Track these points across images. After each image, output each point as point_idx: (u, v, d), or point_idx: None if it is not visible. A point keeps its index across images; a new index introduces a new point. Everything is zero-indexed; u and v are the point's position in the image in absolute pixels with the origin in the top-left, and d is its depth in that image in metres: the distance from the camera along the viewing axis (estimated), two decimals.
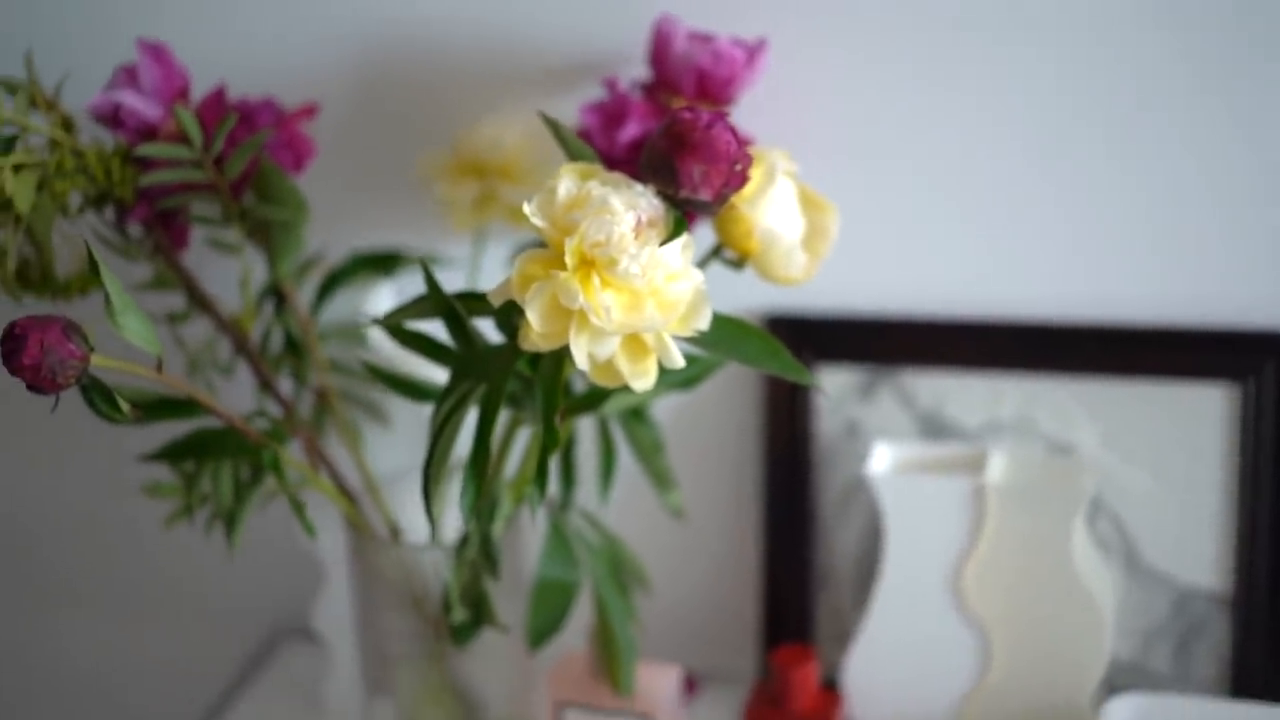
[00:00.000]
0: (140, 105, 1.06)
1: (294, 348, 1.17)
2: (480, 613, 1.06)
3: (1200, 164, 1.14)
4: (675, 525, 1.30)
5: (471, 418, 0.93)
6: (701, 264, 0.94)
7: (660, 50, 1.10)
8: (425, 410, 1.26)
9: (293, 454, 1.08)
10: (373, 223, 1.28)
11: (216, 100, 1.10)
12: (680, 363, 0.87)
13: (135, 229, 1.13)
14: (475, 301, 0.95)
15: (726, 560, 1.34)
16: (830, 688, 1.23)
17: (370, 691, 1.19)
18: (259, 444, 1.03)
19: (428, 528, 1.15)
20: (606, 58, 1.19)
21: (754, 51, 1.10)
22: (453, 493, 1.13)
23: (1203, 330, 1.17)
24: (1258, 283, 1.16)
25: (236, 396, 1.26)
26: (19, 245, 1.03)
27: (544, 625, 1.09)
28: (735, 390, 1.28)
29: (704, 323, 0.87)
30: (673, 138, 0.86)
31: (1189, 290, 1.17)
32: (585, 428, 1.20)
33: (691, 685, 1.33)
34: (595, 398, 1.04)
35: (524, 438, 1.11)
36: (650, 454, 1.12)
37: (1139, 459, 1.19)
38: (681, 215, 0.88)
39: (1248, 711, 1.10)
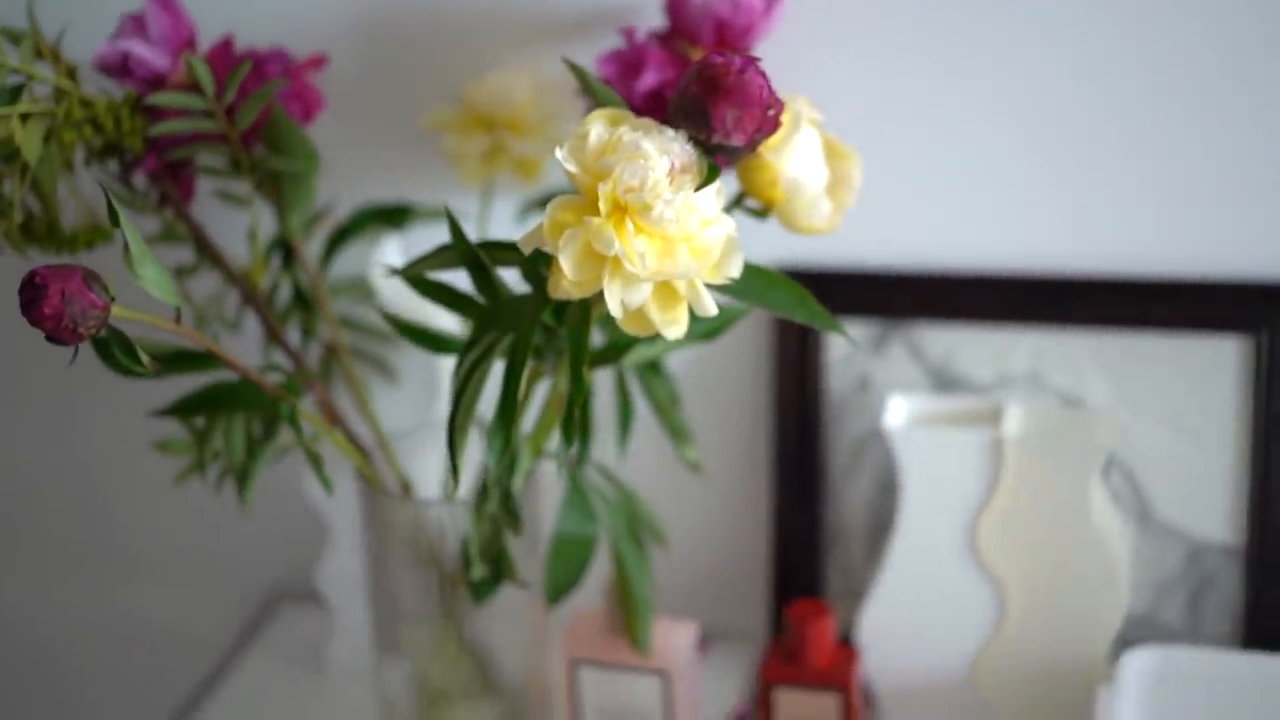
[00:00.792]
0: (149, 54, 1.04)
1: (302, 302, 1.15)
2: (500, 569, 1.05)
3: (1213, 115, 1.13)
4: (683, 482, 1.29)
5: (495, 369, 0.92)
6: (724, 213, 0.92)
7: None
8: (431, 366, 1.25)
9: (304, 408, 1.07)
10: (380, 176, 1.26)
11: (225, 50, 1.08)
12: (713, 310, 0.86)
13: (140, 182, 1.11)
14: (501, 250, 0.93)
15: (737, 518, 1.33)
16: (844, 643, 1.22)
17: (381, 652, 1.18)
18: (275, 397, 1.01)
19: (447, 482, 1.14)
20: (619, 8, 1.17)
21: (771, 0, 1.09)
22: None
23: (1215, 282, 1.17)
24: (1271, 234, 1.15)
25: (240, 353, 1.24)
26: (24, 198, 1.02)
27: (562, 580, 1.08)
28: (745, 346, 1.27)
29: (736, 270, 0.86)
30: (705, 82, 0.84)
31: (1201, 242, 1.17)
32: (600, 383, 1.19)
33: (702, 643, 1.32)
34: (616, 350, 1.03)
35: (540, 392, 1.10)
36: (667, 408, 1.11)
37: (1151, 412, 1.19)
38: (713, 161, 0.86)
39: (1263, 663, 1.10)
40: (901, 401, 1.17)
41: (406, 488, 1.14)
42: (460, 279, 0.97)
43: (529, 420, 1.08)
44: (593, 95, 0.92)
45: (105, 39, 1.06)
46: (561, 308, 0.94)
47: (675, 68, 1.08)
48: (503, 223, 1.24)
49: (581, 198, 0.85)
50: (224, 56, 1.07)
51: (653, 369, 1.11)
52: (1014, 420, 1.14)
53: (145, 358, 0.88)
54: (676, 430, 1.13)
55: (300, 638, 1.43)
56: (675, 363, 1.26)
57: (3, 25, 1.01)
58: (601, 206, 0.82)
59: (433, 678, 1.16)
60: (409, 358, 1.25)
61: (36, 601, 1.57)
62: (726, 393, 1.29)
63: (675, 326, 0.86)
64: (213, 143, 1.05)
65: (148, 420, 1.29)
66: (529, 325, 0.89)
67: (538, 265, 0.91)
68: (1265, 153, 1.13)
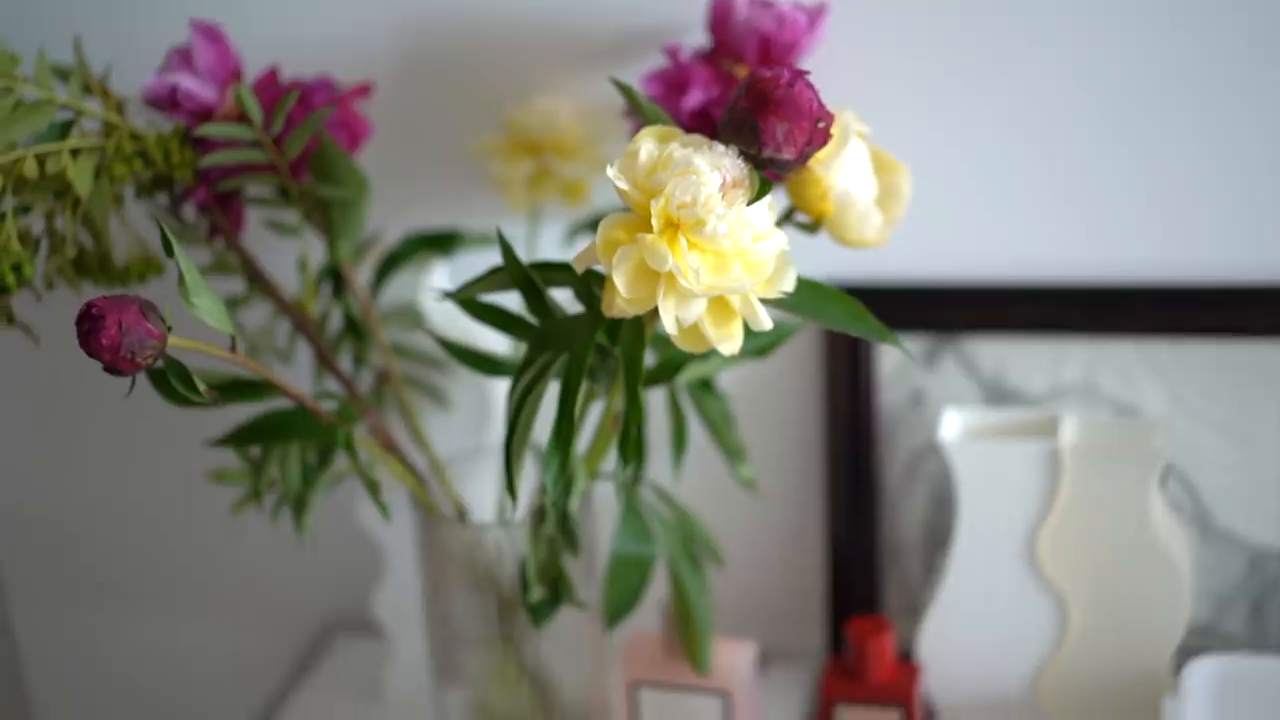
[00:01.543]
0: (196, 87, 1.05)
1: (354, 329, 1.15)
2: (558, 591, 1.05)
3: (1262, 122, 1.12)
4: (738, 501, 1.29)
5: (549, 391, 0.92)
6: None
7: (721, 17, 1.09)
8: (482, 392, 1.25)
9: (359, 435, 1.07)
10: (426, 204, 1.27)
11: (271, 80, 1.09)
12: (768, 324, 0.85)
13: (190, 214, 1.12)
14: (553, 271, 0.93)
15: (792, 536, 1.33)
16: (905, 659, 1.21)
17: (440, 679, 1.18)
18: (331, 424, 1.01)
19: (505, 504, 1.14)
20: (662, 28, 1.17)
21: (815, 16, 1.09)
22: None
23: (1268, 287, 1.16)
24: None
25: (292, 383, 1.24)
26: (76, 233, 1.02)
27: (621, 602, 1.07)
28: (796, 364, 1.27)
29: (790, 284, 0.86)
30: (755, 96, 0.84)
31: (1253, 248, 1.16)
32: (653, 404, 1.19)
33: (761, 663, 1.31)
34: (669, 368, 1.03)
35: (594, 414, 1.09)
36: (721, 427, 1.11)
37: (1206, 419, 1.18)
38: (764, 175, 0.86)
39: None
40: (956, 415, 1.16)
41: (462, 513, 1.14)
42: (510, 302, 0.97)
43: (583, 442, 1.07)
44: (641, 113, 0.92)
45: (152, 73, 1.07)
46: (614, 327, 0.94)
47: (720, 85, 1.08)
48: (550, 247, 1.24)
49: (633, 215, 0.85)
50: (270, 87, 1.08)
51: (706, 388, 1.10)
52: (1070, 430, 1.13)
53: (202, 387, 0.88)
54: (731, 449, 1.12)
55: (356, 668, 1.42)
56: (727, 382, 1.25)
57: (51, 62, 1.02)
58: (654, 223, 0.82)
59: (492, 704, 1.16)
60: (460, 384, 1.25)
61: (93, 634, 1.58)
62: (779, 411, 1.29)
63: (730, 342, 0.86)
64: (261, 173, 1.06)
65: (202, 452, 1.29)
66: (584, 345, 0.89)
67: (590, 285, 0.91)
68: None
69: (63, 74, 1.03)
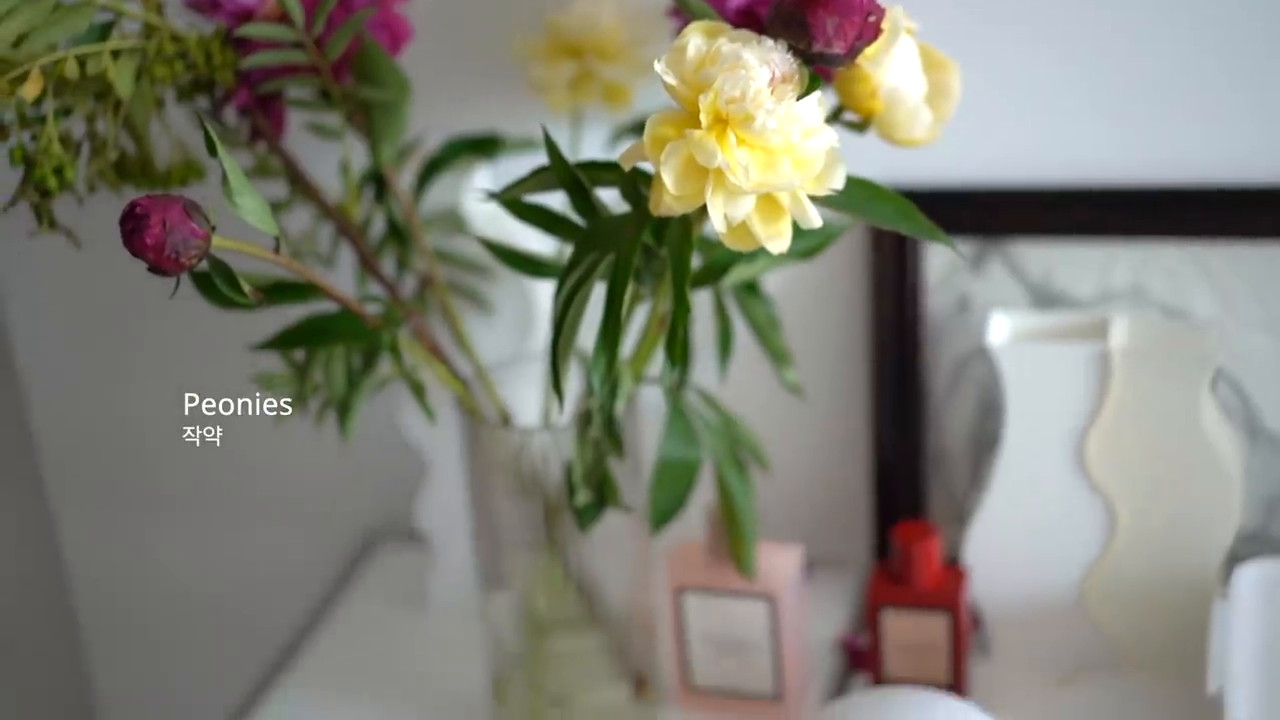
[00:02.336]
0: None
1: (397, 234, 1.15)
2: (603, 494, 1.04)
3: None
4: (782, 406, 1.28)
5: (595, 293, 0.92)
6: None
7: None
8: (524, 298, 1.25)
9: (403, 338, 1.07)
10: (467, 108, 1.26)
11: None
12: (818, 221, 0.84)
13: (231, 118, 1.11)
14: (599, 170, 0.92)
15: (837, 443, 1.32)
16: (951, 564, 1.21)
17: (486, 585, 1.18)
18: (375, 327, 1.01)
19: (551, 405, 1.13)
20: None
21: None
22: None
23: None
24: None
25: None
26: (117, 136, 1.01)
27: (666, 506, 1.07)
28: (842, 268, 1.26)
29: (839, 181, 0.85)
30: None
31: None
32: (698, 309, 1.18)
33: (806, 570, 1.31)
34: (715, 270, 1.02)
35: (639, 319, 1.09)
36: (767, 330, 1.10)
37: (1256, 324, 1.17)
38: (813, 71, 0.85)
39: None
40: (1004, 318, 1.15)
41: (506, 418, 1.14)
42: (555, 205, 0.97)
43: (628, 347, 1.07)
44: (688, 9, 0.91)
45: None
46: (660, 228, 0.93)
47: None
48: (593, 152, 1.23)
49: (681, 111, 0.83)
50: None
51: (751, 291, 1.09)
52: (1120, 333, 1.12)
53: (247, 287, 0.88)
54: (777, 353, 1.11)
55: (400, 575, 1.43)
56: (773, 286, 1.24)
57: None
58: (703, 119, 0.81)
59: (538, 609, 1.16)
60: (502, 290, 1.25)
61: (138, 542, 1.58)
62: (825, 316, 1.28)
63: (779, 240, 0.85)
64: (303, 75, 1.05)
65: (245, 357, 1.29)
66: (630, 244, 0.88)
67: (637, 184, 0.90)
68: None
69: None
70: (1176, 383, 1.09)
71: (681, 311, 0.88)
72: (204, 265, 0.87)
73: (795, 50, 0.84)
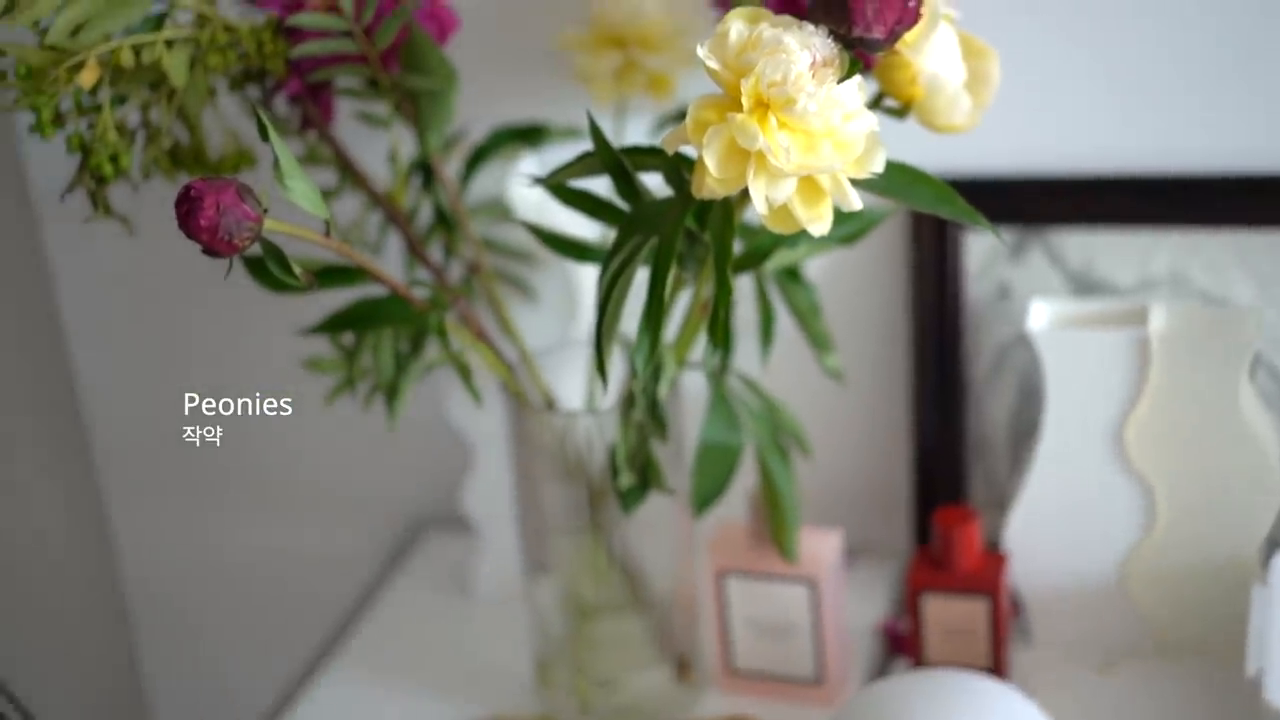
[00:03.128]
0: None
1: (444, 222, 1.16)
2: (647, 477, 1.06)
3: None
4: (823, 392, 1.29)
5: (638, 277, 0.93)
6: None
7: None
8: (569, 285, 1.26)
9: (450, 322, 1.08)
10: (513, 98, 1.27)
11: None
12: (858, 204, 0.85)
13: (281, 108, 1.13)
14: (642, 155, 0.94)
15: (877, 429, 1.33)
16: (992, 549, 1.22)
17: (530, 569, 1.19)
18: (423, 310, 1.02)
19: (595, 387, 1.15)
20: None
21: None
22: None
23: None
24: None
25: None
26: (171, 125, 1.03)
27: (709, 489, 1.08)
28: (882, 255, 1.27)
29: (880, 164, 0.86)
30: None
31: None
32: (741, 295, 1.19)
33: (846, 557, 1.32)
34: (757, 255, 1.04)
35: (681, 304, 1.10)
36: (808, 316, 1.11)
37: None
38: (854, 56, 0.86)
39: None
40: (1044, 305, 1.16)
41: (550, 403, 1.15)
42: (599, 188, 0.98)
43: (670, 332, 1.08)
44: None
45: None
46: (703, 212, 0.94)
47: None
48: (637, 141, 1.24)
49: (723, 95, 0.85)
50: None
51: (793, 276, 1.11)
52: (1159, 319, 1.12)
53: (298, 270, 0.89)
54: (818, 338, 1.13)
55: (446, 562, 1.44)
56: (814, 273, 1.25)
57: None
58: (744, 102, 0.83)
59: (583, 593, 1.17)
60: (547, 278, 1.26)
61: (187, 528, 1.60)
62: (865, 303, 1.29)
63: (820, 223, 0.86)
64: (352, 64, 1.06)
65: (294, 343, 1.31)
66: (673, 227, 0.90)
67: (680, 168, 0.92)
68: None
69: None
70: (1216, 369, 1.10)
71: (723, 294, 0.89)
72: (256, 249, 0.89)
73: (835, 35, 0.85)
